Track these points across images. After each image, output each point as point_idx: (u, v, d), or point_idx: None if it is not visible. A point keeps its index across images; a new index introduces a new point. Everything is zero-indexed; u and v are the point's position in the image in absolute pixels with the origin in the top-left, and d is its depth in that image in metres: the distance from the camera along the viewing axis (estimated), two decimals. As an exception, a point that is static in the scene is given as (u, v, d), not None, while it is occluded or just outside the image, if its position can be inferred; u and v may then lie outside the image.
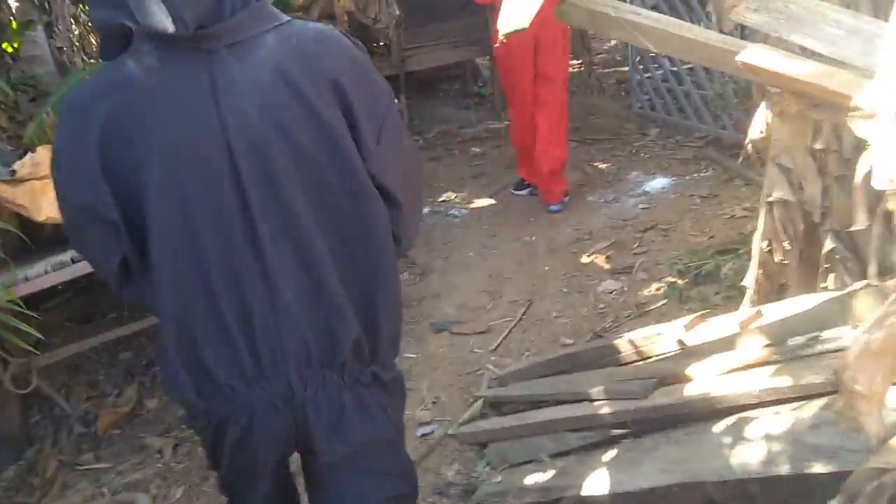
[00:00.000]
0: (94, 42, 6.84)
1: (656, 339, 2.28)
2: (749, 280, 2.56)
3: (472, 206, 4.70)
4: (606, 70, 6.95)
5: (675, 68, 5.23)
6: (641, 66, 5.74)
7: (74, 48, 6.14)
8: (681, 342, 2.16)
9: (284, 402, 1.32)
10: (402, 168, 1.39)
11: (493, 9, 4.59)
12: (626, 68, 7.20)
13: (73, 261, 2.70)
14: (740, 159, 3.30)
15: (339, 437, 1.36)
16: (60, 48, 5.69)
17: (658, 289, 3.31)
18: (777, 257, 2.44)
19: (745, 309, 2.29)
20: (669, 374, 2.04)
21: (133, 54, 1.23)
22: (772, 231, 2.46)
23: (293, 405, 1.32)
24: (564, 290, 3.52)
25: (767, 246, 2.48)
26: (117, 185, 1.24)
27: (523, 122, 4.35)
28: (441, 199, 4.90)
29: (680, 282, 3.28)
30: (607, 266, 3.64)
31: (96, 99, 1.24)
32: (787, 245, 2.40)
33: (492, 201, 4.72)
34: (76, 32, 6.34)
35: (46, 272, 2.68)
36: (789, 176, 2.45)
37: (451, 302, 3.61)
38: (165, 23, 1.16)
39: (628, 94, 6.22)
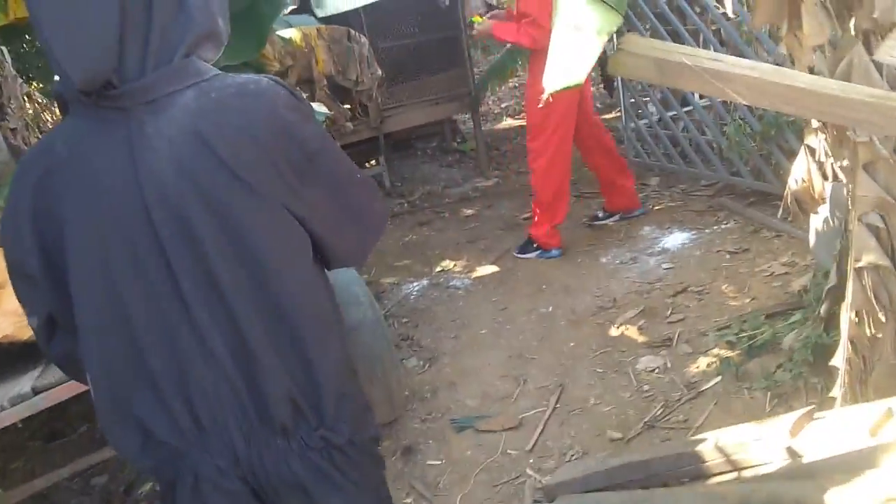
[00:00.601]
0: (50, 120, 6.43)
1: (753, 446, 1.88)
2: (839, 360, 2.19)
3: (474, 274, 4.32)
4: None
5: (672, 112, 4.96)
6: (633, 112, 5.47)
7: (29, 128, 5.71)
8: (792, 452, 1.76)
9: (229, 463, 1.27)
10: (342, 197, 1.34)
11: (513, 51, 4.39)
12: (610, 115, 6.99)
13: (35, 391, 2.23)
14: (780, 212, 2.97)
15: (296, 492, 1.29)
16: (14, 129, 5.26)
17: (709, 364, 2.92)
18: (869, 331, 2.09)
19: (867, 405, 1.90)
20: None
21: (69, 117, 1.26)
22: (862, 300, 2.10)
23: (240, 465, 1.27)
24: (598, 369, 3.12)
25: (857, 317, 2.13)
26: (46, 245, 1.24)
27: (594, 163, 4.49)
28: (438, 268, 4.51)
29: (732, 355, 2.90)
30: (641, 338, 3.25)
31: (29, 164, 1.25)
32: (881, 317, 2.05)
33: (495, 268, 4.34)
34: (30, 112, 5.93)
35: (2, 407, 2.22)
36: (880, 237, 2.09)
37: (470, 391, 3.18)
38: (67, 83, 1.17)
39: (620, 142, 5.95)
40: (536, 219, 4.29)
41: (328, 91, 4.49)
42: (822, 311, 2.55)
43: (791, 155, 3.93)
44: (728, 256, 3.70)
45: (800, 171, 2.99)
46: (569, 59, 1.64)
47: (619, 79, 5.53)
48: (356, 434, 1.35)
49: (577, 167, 5.77)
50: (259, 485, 1.28)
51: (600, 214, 4.60)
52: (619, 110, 5.77)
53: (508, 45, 5.96)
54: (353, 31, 4.79)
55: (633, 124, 5.46)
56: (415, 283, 4.38)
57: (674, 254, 3.91)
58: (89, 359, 1.27)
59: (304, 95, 4.53)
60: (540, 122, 4.07)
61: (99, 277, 1.23)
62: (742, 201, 4.27)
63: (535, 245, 4.33)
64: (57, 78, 1.23)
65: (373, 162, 6.62)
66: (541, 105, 1.56)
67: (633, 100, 5.44)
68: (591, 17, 1.66)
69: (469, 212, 5.44)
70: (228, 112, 1.21)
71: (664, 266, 3.80)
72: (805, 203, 3.00)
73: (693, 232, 4.11)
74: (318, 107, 3.60)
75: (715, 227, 4.08)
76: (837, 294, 2.54)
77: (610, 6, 1.68)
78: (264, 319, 1.25)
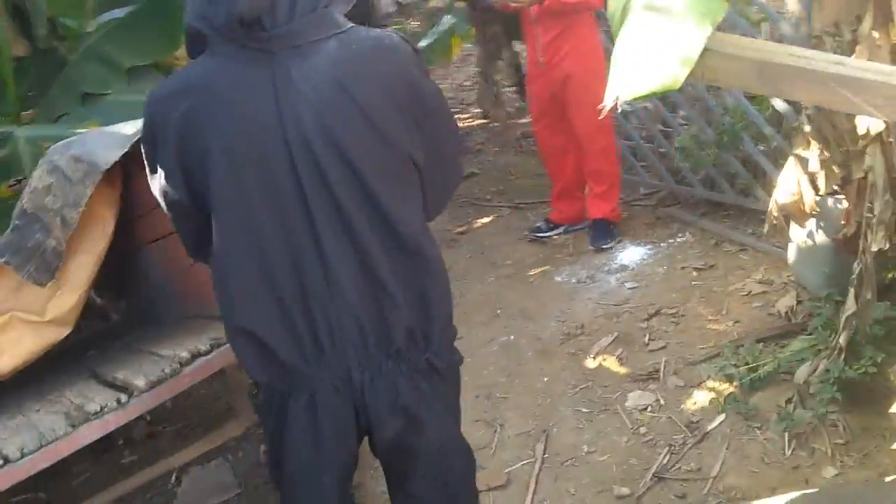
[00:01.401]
0: None
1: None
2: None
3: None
4: (510, 121, 6.39)
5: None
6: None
7: None
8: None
9: (344, 383, 1.40)
10: (434, 146, 1.46)
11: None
12: (525, 119, 6.72)
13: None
14: (766, 227, 2.76)
15: (397, 416, 1.43)
16: None
17: (709, 401, 2.66)
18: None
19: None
20: None
21: (207, 56, 1.35)
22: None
23: (352, 387, 1.41)
24: (583, 409, 2.80)
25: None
26: (190, 176, 1.37)
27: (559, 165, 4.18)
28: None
29: (732, 388, 2.65)
30: (623, 370, 2.96)
31: (169, 100, 1.35)
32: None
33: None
34: None
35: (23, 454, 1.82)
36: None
37: (440, 441, 2.79)
38: (223, 18, 1.27)
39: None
40: (603, 196, 3.97)
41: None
42: (840, 341, 2.34)
43: (746, 163, 3.78)
44: (695, 273, 3.48)
45: (789, 183, 2.79)
46: (657, 55, 1.29)
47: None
48: (452, 359, 1.56)
49: (503, 176, 5.50)
50: (364, 406, 1.42)
51: (542, 226, 4.29)
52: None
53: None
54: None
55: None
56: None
57: (635, 271, 3.66)
58: (222, 278, 1.41)
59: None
60: (596, 100, 3.78)
61: (237, 204, 1.35)
62: (692, 212, 4.09)
63: (612, 225, 4.01)
64: (195, 15, 1.33)
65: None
66: (611, 105, 1.22)
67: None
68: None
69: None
70: (366, 63, 1.34)
71: (628, 285, 3.54)
72: (794, 217, 2.81)
73: (649, 246, 3.87)
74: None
75: (671, 241, 3.86)
76: (859, 323, 2.34)
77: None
78: (389, 255, 1.38)
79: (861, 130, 2.20)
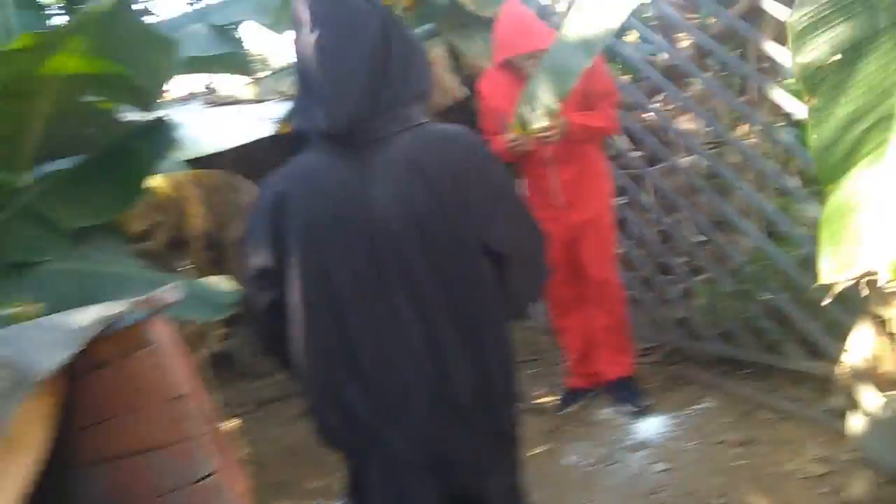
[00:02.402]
0: None
1: None
2: None
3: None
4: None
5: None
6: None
7: None
8: None
9: (418, 443, 1.54)
10: (513, 234, 1.61)
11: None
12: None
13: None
14: (832, 398, 2.30)
15: (468, 472, 1.59)
16: None
17: None
18: None
19: None
20: None
21: (307, 150, 1.61)
22: None
23: (426, 447, 1.55)
24: None
25: None
26: (278, 248, 1.56)
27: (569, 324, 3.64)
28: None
29: None
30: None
31: (272, 186, 1.60)
32: None
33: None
34: None
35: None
36: None
37: None
38: (323, 122, 1.52)
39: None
40: (623, 350, 3.51)
41: (205, 253, 3.44)
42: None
43: (770, 314, 3.37)
44: (736, 450, 2.94)
45: (863, 344, 2.37)
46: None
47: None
48: (514, 422, 1.71)
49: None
50: (436, 461, 1.56)
51: (566, 398, 3.68)
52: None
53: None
54: (236, 178, 3.82)
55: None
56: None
57: (661, 448, 3.10)
58: (303, 349, 1.56)
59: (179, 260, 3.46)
60: (610, 244, 3.46)
61: (318, 275, 1.53)
62: (707, 371, 3.62)
63: (634, 385, 3.51)
64: (301, 119, 1.61)
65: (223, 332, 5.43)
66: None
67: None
68: None
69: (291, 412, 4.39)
70: (437, 150, 1.55)
71: (657, 468, 2.97)
72: (869, 382, 2.37)
73: (668, 415, 3.35)
74: (224, 282, 2.56)
75: (694, 408, 3.35)
76: None
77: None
78: (456, 327, 1.53)
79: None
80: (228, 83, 6.58)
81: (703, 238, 3.79)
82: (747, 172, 3.83)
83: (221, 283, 2.45)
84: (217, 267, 3.37)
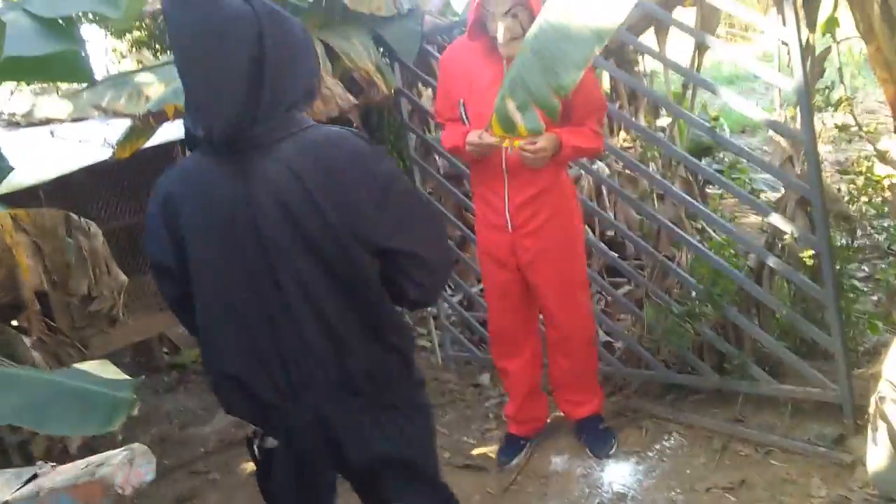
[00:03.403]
0: None
1: None
2: None
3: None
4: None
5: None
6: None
7: None
8: None
9: (315, 419, 1.65)
10: (405, 233, 1.64)
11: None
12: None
13: None
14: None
15: (364, 450, 1.68)
16: None
17: None
18: None
19: None
20: None
21: (194, 152, 1.65)
22: None
23: (321, 422, 1.65)
24: None
25: None
26: (174, 246, 1.64)
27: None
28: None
29: None
30: None
31: (161, 186, 1.67)
32: None
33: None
34: None
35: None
36: None
37: None
38: (199, 131, 1.57)
39: (417, 331, 4.75)
40: (586, 388, 3.10)
41: (43, 318, 2.57)
42: None
43: (724, 330, 3.08)
44: (731, 498, 2.59)
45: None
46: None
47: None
48: (414, 400, 1.78)
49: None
50: (330, 436, 1.66)
51: (506, 450, 3.16)
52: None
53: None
54: (73, 216, 2.95)
55: (446, 304, 4.26)
56: None
57: (643, 501, 2.68)
58: (207, 334, 1.67)
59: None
60: (578, 280, 2.94)
61: (213, 272, 1.62)
62: (656, 402, 3.27)
63: (604, 424, 3.11)
64: (189, 121, 1.62)
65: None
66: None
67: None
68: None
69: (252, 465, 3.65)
70: (317, 154, 1.58)
71: (648, 528, 2.56)
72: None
73: (634, 458, 2.95)
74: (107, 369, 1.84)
75: (660, 447, 2.97)
76: None
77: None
78: (344, 314, 1.63)
79: None
80: (26, 99, 5.57)
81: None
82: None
83: (104, 371, 1.72)
84: (67, 339, 2.55)
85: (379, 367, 1.67)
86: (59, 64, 2.76)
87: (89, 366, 1.78)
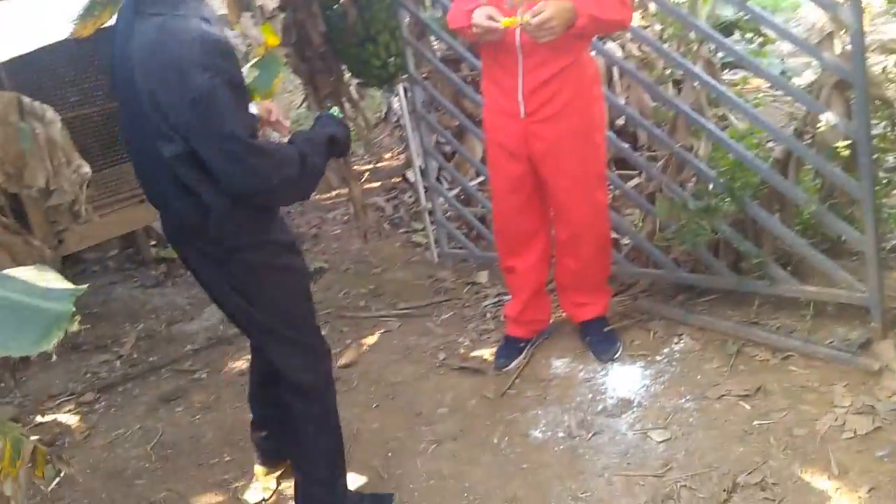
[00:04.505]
0: None
1: None
2: None
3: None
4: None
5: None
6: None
7: None
8: None
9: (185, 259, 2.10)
10: (209, 155, 1.78)
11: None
12: (379, 198, 5.40)
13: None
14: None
15: (206, 285, 2.11)
16: None
17: None
18: None
19: None
20: None
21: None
22: None
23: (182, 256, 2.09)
24: None
25: None
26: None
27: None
28: (240, 490, 2.57)
29: None
30: None
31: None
32: None
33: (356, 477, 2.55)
34: None
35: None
36: None
37: None
38: None
39: (411, 227, 4.53)
40: (595, 288, 2.90)
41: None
42: None
43: (743, 228, 2.83)
44: (746, 407, 2.41)
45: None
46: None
47: (405, 105, 3.92)
48: (228, 248, 1.95)
49: (365, 270, 4.19)
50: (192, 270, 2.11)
51: (504, 351, 2.98)
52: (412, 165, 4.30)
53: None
54: (26, 100, 2.64)
55: (442, 200, 4.00)
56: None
57: (648, 409, 2.50)
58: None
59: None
60: (597, 170, 2.65)
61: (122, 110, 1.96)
62: (666, 303, 3.06)
63: (610, 325, 2.93)
64: None
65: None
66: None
67: (435, 147, 4.00)
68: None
69: (240, 363, 3.50)
70: (154, 48, 1.75)
71: (654, 436, 2.37)
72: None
73: (641, 362, 2.76)
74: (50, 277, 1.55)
75: (669, 351, 2.78)
76: None
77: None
78: (171, 170, 1.84)
79: None
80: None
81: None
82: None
83: (41, 278, 1.47)
84: (19, 238, 2.29)
85: (200, 220, 1.89)
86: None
87: (25, 272, 1.52)
